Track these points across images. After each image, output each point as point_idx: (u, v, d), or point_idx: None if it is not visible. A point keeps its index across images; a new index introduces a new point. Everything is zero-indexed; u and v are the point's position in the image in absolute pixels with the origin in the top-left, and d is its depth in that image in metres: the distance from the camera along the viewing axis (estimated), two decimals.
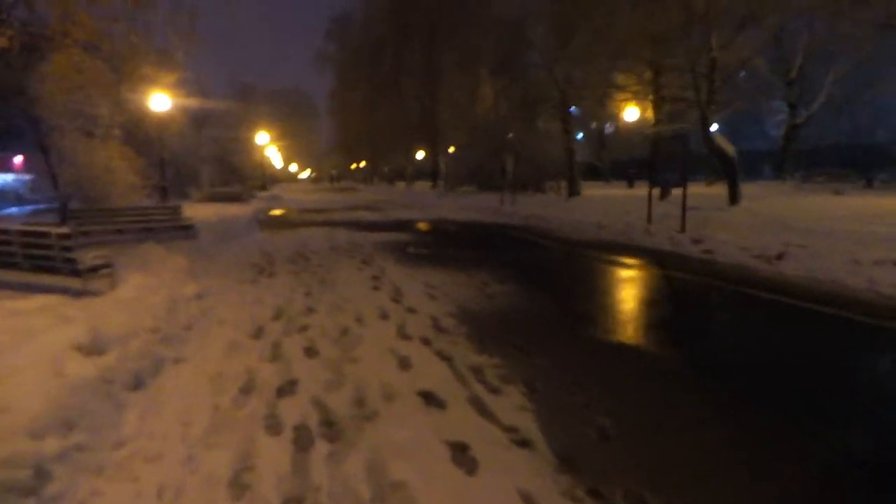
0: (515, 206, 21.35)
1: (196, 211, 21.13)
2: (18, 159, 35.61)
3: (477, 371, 4.42)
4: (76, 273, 6.45)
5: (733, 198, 15.81)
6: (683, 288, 7.86)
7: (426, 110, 40.32)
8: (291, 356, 4.86)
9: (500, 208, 21.16)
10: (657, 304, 6.94)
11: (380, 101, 47.92)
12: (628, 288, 7.92)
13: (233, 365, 4.63)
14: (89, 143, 19.23)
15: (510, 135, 27.41)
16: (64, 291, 6.39)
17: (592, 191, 26.70)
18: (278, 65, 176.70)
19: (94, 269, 6.58)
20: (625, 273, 8.90)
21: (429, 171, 58.72)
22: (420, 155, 50.44)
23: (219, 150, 45.87)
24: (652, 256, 10.39)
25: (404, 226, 17.33)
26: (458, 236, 14.54)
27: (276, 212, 24.61)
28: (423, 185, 49.28)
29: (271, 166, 67.05)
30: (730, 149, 15.92)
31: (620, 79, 21.90)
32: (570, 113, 22.64)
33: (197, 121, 43.67)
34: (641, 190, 32.16)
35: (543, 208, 19.99)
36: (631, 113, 27.46)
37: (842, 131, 37.40)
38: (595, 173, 42.77)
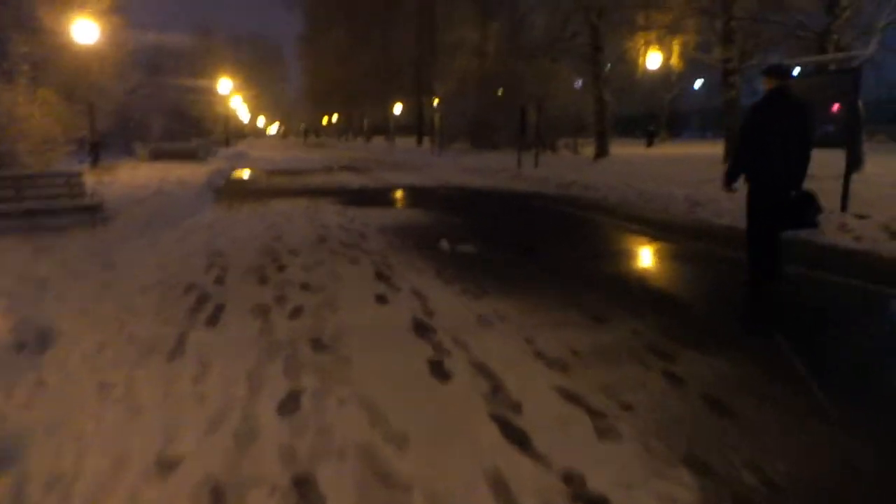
0: (537, 168, 17.23)
1: (136, 173, 16.60)
2: None
3: None
4: None
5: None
6: None
7: (418, 56, 35.35)
8: None
9: (519, 171, 17.03)
10: None
11: (357, 46, 42.71)
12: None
13: None
14: None
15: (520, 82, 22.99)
16: None
17: (613, 150, 22.65)
18: (239, 10, 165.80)
19: None
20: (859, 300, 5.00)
21: (411, 126, 53.93)
22: (399, 108, 45.51)
23: (176, 100, 40.58)
24: (843, 260, 6.50)
25: (408, 197, 13.14)
26: (495, 216, 10.46)
27: (240, 174, 20.11)
28: (406, 142, 44.63)
29: (237, 119, 61.42)
30: None
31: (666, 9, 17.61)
32: (602, 54, 18.41)
33: (149, 66, 38.27)
34: (665, 149, 28.23)
35: (575, 172, 15.94)
36: (654, 59, 23.42)
37: None
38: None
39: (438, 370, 3.51)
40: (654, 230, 8.42)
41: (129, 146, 25.49)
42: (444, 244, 7.23)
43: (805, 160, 5.04)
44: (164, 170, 17.35)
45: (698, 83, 44.23)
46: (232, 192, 14.16)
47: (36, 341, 3.68)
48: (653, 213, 10.17)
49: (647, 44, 23.43)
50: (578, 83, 27.40)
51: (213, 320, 4.43)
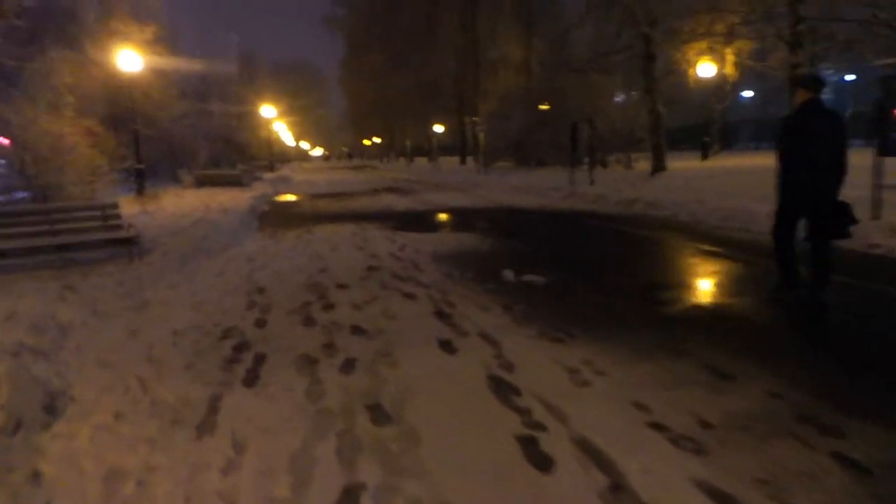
0: (593, 186, 16.32)
1: (181, 201, 16.39)
2: None
3: None
4: None
5: None
6: None
7: (458, 74, 34.84)
8: None
9: (574, 189, 16.15)
10: None
11: (397, 67, 42.62)
12: None
13: None
14: (32, 114, 14.50)
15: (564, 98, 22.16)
16: None
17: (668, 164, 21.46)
18: (282, 38, 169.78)
19: None
20: None
21: (453, 146, 53.54)
22: (439, 128, 45.02)
23: (223, 128, 41.15)
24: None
25: (458, 220, 12.43)
26: (557, 239, 9.64)
27: (284, 198, 19.80)
28: (449, 162, 44.16)
29: (281, 144, 62.27)
30: None
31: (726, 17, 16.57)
32: (654, 64, 17.46)
33: (196, 94, 38.89)
34: (722, 161, 26.61)
35: (634, 188, 14.96)
36: (706, 68, 22.31)
37: None
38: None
39: (534, 453, 2.71)
40: (744, 253, 7.46)
41: (174, 173, 25.63)
42: (509, 274, 6.46)
43: (841, 171, 4.97)
44: (208, 196, 17.11)
45: (748, 93, 42.56)
46: (275, 217, 13.71)
47: (41, 412, 3.04)
48: (733, 232, 9.18)
49: (700, 53, 22.44)
50: (620, 97, 26.32)
51: (251, 377, 3.74)
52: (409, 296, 5.75)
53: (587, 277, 6.46)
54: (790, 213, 5.15)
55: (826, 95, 5.60)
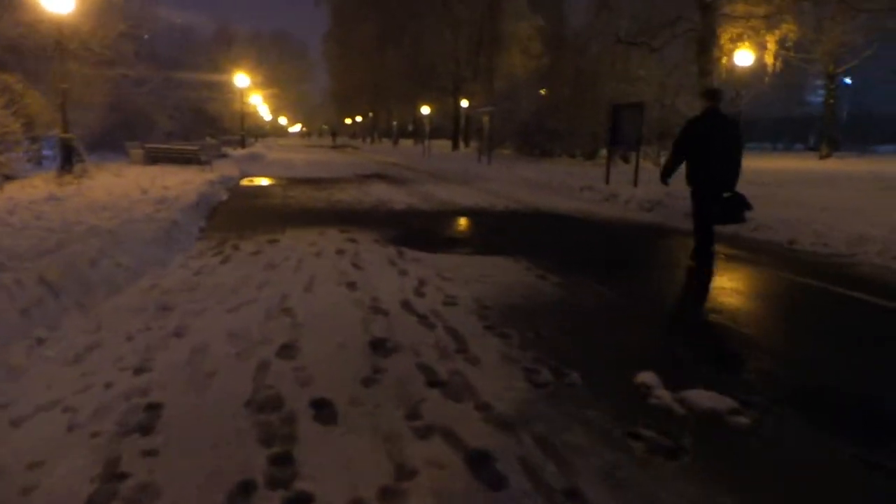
0: (639, 187, 13.08)
1: (114, 182, 12.73)
2: None
3: None
4: None
5: None
6: None
7: (463, 50, 31.07)
8: None
9: (612, 190, 12.89)
10: None
11: (388, 41, 38.90)
12: None
13: None
14: None
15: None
16: None
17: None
18: (262, 7, 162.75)
19: None
20: None
21: (442, 128, 50.01)
22: (426, 110, 41.26)
23: (191, 97, 37.11)
24: None
25: (483, 229, 9.17)
26: (675, 285, 6.43)
27: (250, 182, 16.27)
28: (438, 146, 40.67)
29: (257, 117, 58.05)
30: None
31: None
32: (714, 41, 14.27)
33: (167, 60, 34.78)
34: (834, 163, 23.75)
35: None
36: (744, 56, 19.27)
37: None
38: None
39: None
40: None
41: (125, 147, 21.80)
42: (651, 383, 3.27)
43: (737, 167, 6.20)
44: (153, 177, 13.56)
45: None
46: (231, 213, 10.28)
47: None
48: None
49: (737, 39, 19.42)
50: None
51: None
52: (470, 437, 2.49)
53: (832, 406, 3.24)
54: (701, 204, 6.32)
55: None
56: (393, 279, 5.60)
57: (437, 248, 7.20)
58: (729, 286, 5.76)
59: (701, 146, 6.09)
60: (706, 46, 14.30)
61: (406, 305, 4.75)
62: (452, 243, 7.73)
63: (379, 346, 3.84)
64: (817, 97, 48.02)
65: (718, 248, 6.99)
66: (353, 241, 7.60)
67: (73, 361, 3.43)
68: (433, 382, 3.33)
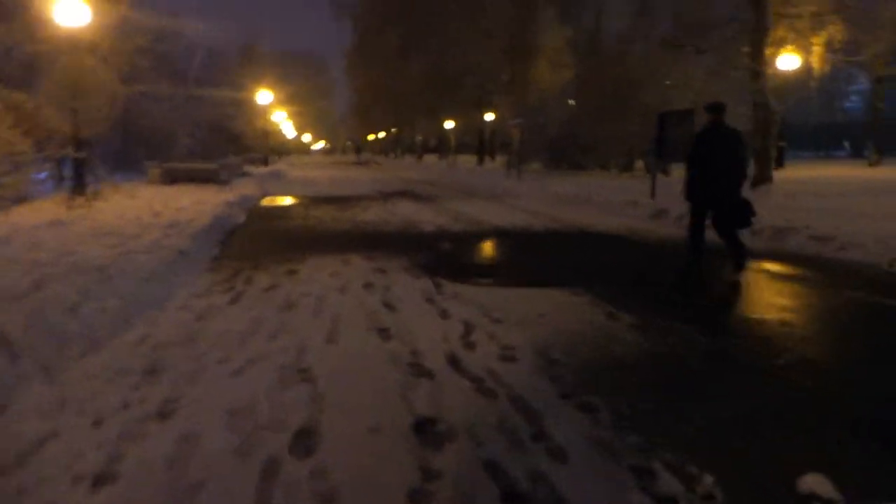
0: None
1: (127, 204, 11.95)
2: None
3: None
4: None
5: None
6: None
7: (491, 62, 29.99)
8: None
9: (660, 206, 11.80)
10: None
11: (411, 53, 38.30)
12: None
13: None
14: None
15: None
16: None
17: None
18: (285, 27, 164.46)
19: None
20: None
21: (466, 144, 49.14)
22: (450, 124, 40.36)
23: (214, 115, 36.78)
24: None
25: (525, 254, 8.18)
26: (775, 325, 5.39)
27: (270, 202, 15.49)
28: (463, 161, 39.80)
29: (280, 135, 57.94)
30: None
31: None
32: (766, 39, 13.18)
33: (193, 80, 34.52)
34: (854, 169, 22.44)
35: (768, 211, 10.62)
36: (788, 60, 18.07)
37: None
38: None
39: None
40: None
41: (143, 166, 21.23)
42: (830, 496, 2.24)
43: (740, 175, 6.39)
44: (168, 198, 12.84)
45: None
46: (248, 238, 9.43)
47: None
48: None
49: (780, 42, 18.26)
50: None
51: None
52: None
53: None
54: (699, 210, 6.44)
55: None
56: (433, 323, 4.63)
57: (477, 279, 6.23)
58: (842, 326, 4.67)
59: (704, 160, 6.24)
60: (757, 45, 13.20)
61: (454, 362, 3.78)
62: (493, 272, 6.74)
63: (426, 431, 2.87)
64: (850, 103, 46.43)
65: (815, 276, 5.90)
66: (381, 271, 6.65)
67: (12, 465, 2.50)
68: (509, 496, 2.34)
